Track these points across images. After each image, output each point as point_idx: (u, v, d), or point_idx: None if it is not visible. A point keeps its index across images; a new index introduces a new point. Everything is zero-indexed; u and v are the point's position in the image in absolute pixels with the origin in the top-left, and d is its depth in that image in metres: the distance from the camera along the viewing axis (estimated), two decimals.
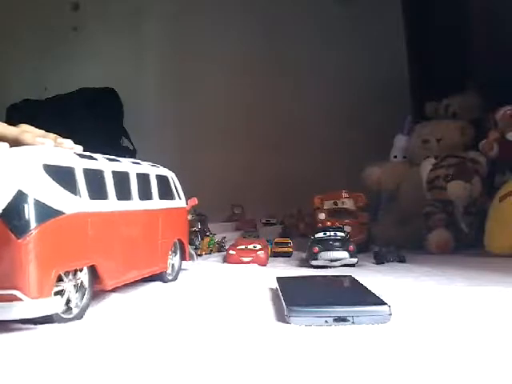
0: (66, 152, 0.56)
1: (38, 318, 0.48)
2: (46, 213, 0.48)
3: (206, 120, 2.18)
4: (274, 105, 2.16)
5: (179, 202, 0.84)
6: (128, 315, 0.57)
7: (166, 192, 0.78)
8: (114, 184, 0.61)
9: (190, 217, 1.01)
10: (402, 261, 1.01)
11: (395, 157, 1.55)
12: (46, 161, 0.50)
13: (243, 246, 1.04)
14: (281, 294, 0.58)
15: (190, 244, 1.05)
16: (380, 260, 1.00)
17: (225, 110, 2.17)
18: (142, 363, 0.39)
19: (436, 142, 1.37)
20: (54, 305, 0.49)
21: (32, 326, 0.50)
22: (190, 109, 2.21)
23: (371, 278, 0.78)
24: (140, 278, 0.69)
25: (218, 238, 1.26)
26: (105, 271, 0.58)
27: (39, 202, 0.48)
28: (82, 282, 0.56)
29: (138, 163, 0.73)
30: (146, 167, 0.74)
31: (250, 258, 1.00)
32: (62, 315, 0.52)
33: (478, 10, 1.52)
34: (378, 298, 0.54)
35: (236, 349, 0.43)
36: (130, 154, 1.98)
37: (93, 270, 0.57)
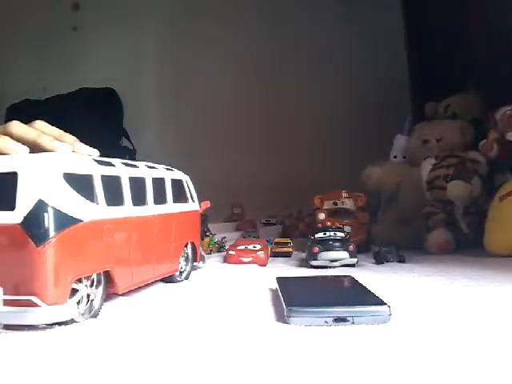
0: (85, 159, 0.57)
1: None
2: (64, 221, 0.49)
3: (206, 120, 2.18)
4: (274, 105, 2.16)
5: (192, 205, 0.85)
6: (127, 316, 0.57)
7: (180, 195, 0.79)
8: (131, 190, 0.62)
9: None
10: (401, 261, 1.01)
11: (395, 157, 1.55)
12: (66, 169, 0.51)
13: (243, 246, 1.04)
14: (281, 294, 0.58)
15: None
16: (380, 260, 1.00)
17: (225, 110, 2.17)
18: (142, 363, 0.39)
19: (436, 142, 1.37)
20: (70, 311, 0.50)
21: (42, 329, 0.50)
22: (190, 109, 2.21)
23: (371, 278, 0.78)
24: (151, 280, 0.70)
25: (217, 238, 1.26)
26: (118, 276, 0.59)
27: (59, 210, 0.48)
28: (97, 289, 0.57)
29: (154, 167, 0.74)
30: (161, 171, 0.75)
31: (250, 259, 1.00)
32: (76, 319, 0.53)
33: (478, 9, 1.52)
34: (378, 298, 0.54)
35: (236, 349, 0.43)
36: (130, 154, 1.98)
37: (106, 275, 0.58)
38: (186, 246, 0.82)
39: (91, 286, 0.56)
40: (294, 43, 2.15)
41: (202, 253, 0.91)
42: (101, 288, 0.57)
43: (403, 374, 0.36)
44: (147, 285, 0.72)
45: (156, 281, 0.73)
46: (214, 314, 0.57)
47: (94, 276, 0.56)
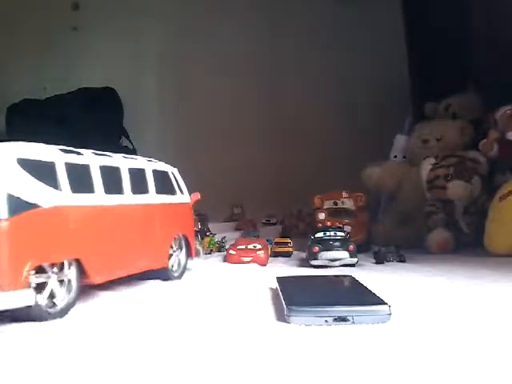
0: (48, 147, 0.56)
1: (21, 314, 0.49)
2: (18, 206, 0.49)
3: (205, 120, 2.18)
4: (274, 105, 2.16)
5: (181, 197, 0.83)
6: (127, 313, 0.57)
7: (165, 187, 0.78)
8: (103, 178, 0.61)
9: None
10: (402, 261, 1.01)
11: (395, 157, 1.55)
12: (21, 155, 0.51)
13: (243, 246, 1.04)
14: (281, 293, 0.58)
15: None
16: (380, 260, 1.01)
17: (225, 110, 2.17)
18: (142, 363, 0.39)
19: (436, 142, 1.37)
20: (27, 298, 0.49)
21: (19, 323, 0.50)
22: (189, 109, 2.21)
23: (371, 277, 0.78)
24: (135, 273, 0.69)
25: (217, 238, 1.26)
26: (91, 266, 0.58)
27: (11, 195, 0.48)
28: (68, 278, 0.56)
29: (132, 158, 0.72)
30: (140, 162, 0.73)
31: (250, 258, 1.00)
32: (46, 309, 0.52)
33: (478, 9, 1.52)
34: (378, 297, 0.54)
35: (236, 348, 0.43)
36: (130, 153, 1.97)
37: (78, 264, 0.57)
38: (176, 239, 0.81)
39: (62, 275, 0.55)
40: (293, 43, 2.14)
41: (198, 247, 0.90)
42: (73, 278, 0.56)
43: (403, 373, 0.36)
44: (142, 282, 0.71)
45: (150, 277, 0.73)
46: (215, 313, 0.57)
47: (65, 264, 0.55)
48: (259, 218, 1.78)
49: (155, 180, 0.74)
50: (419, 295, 0.65)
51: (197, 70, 2.17)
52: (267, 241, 1.14)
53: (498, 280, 0.74)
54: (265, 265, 1.00)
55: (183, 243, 0.83)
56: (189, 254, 0.84)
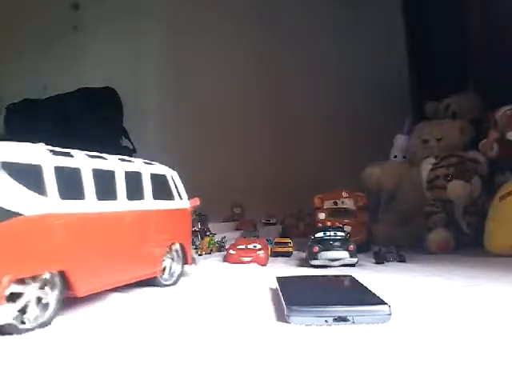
0: (36, 148, 0.52)
1: None
2: None
3: (205, 120, 2.18)
4: (274, 105, 2.16)
5: (180, 202, 0.79)
6: (126, 314, 0.57)
7: (162, 192, 0.73)
8: (95, 183, 0.57)
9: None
10: (402, 261, 1.01)
11: (395, 157, 1.55)
12: (5, 158, 0.47)
13: (243, 246, 1.04)
14: (281, 293, 0.58)
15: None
16: (380, 260, 1.00)
17: (225, 109, 2.17)
18: (142, 362, 0.39)
19: (436, 142, 1.37)
20: (4, 315, 0.45)
21: None
22: (190, 109, 2.21)
23: (371, 277, 0.78)
24: (125, 283, 0.65)
25: (217, 238, 1.26)
26: (77, 277, 0.53)
27: None
28: (47, 293, 0.51)
29: (129, 161, 0.68)
30: (137, 165, 0.68)
31: (250, 258, 1.00)
32: (20, 326, 0.47)
33: (478, 9, 1.52)
34: (378, 297, 0.54)
35: (236, 348, 0.43)
36: (130, 153, 1.98)
37: (62, 276, 0.52)
38: (172, 247, 0.76)
39: (43, 288, 0.50)
40: (294, 44, 2.14)
41: (194, 255, 0.87)
42: (55, 291, 0.51)
43: (403, 373, 0.36)
44: (137, 287, 0.69)
45: (141, 284, 0.69)
46: (215, 313, 0.57)
47: (47, 276, 0.50)
48: (259, 218, 1.78)
49: (152, 184, 0.70)
50: (419, 295, 0.65)
51: (197, 70, 2.17)
52: (267, 241, 1.14)
53: (498, 280, 0.74)
54: (265, 265, 1.00)
55: (179, 251, 0.78)
56: (185, 262, 0.80)
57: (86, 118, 1.88)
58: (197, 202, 0.86)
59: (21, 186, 0.47)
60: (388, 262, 1.00)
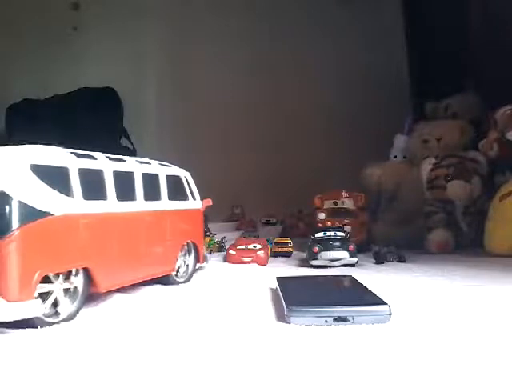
0: (61, 151, 0.55)
1: (20, 321, 0.47)
2: (30, 214, 0.47)
3: (205, 120, 2.18)
4: (274, 105, 2.16)
5: (193, 202, 0.82)
6: (126, 315, 0.57)
7: (177, 192, 0.76)
8: (116, 184, 0.60)
9: None
10: (402, 261, 1.01)
11: (395, 157, 1.55)
12: (34, 161, 0.49)
13: (243, 246, 1.04)
14: (281, 293, 0.58)
15: None
16: (380, 260, 1.01)
17: (225, 110, 2.17)
18: (142, 362, 0.39)
19: (436, 142, 1.37)
20: (34, 308, 0.48)
21: (12, 329, 0.48)
22: (190, 109, 2.21)
23: (371, 278, 0.78)
24: (142, 280, 0.68)
25: (217, 237, 1.26)
26: (100, 274, 0.56)
27: (23, 203, 0.47)
28: (74, 286, 0.54)
29: (147, 162, 0.71)
30: (154, 167, 0.72)
31: (250, 258, 1.00)
32: (47, 319, 0.50)
33: (478, 9, 1.52)
34: (378, 297, 0.54)
35: (236, 348, 0.43)
36: (130, 153, 1.98)
37: (86, 273, 0.55)
38: (185, 246, 0.79)
39: (68, 283, 0.54)
40: (294, 44, 2.14)
41: (205, 253, 0.90)
42: (80, 287, 0.55)
43: (403, 373, 0.36)
44: (144, 285, 0.71)
45: (153, 282, 0.72)
46: (215, 313, 0.57)
47: (72, 273, 0.54)
48: (259, 218, 1.78)
49: (168, 185, 0.73)
50: (419, 295, 0.65)
51: (197, 70, 2.17)
52: (267, 241, 1.14)
53: (498, 280, 0.74)
54: (265, 265, 1.00)
55: (192, 250, 0.81)
56: (197, 260, 0.83)
57: (86, 118, 1.88)
58: (209, 202, 0.89)
59: (48, 187, 0.50)
60: (388, 262, 1.00)
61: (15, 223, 0.46)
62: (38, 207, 0.48)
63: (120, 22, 2.26)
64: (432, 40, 1.68)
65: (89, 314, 0.57)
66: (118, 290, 0.65)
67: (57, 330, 0.50)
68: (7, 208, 0.46)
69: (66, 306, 0.53)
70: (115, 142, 2.03)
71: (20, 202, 0.47)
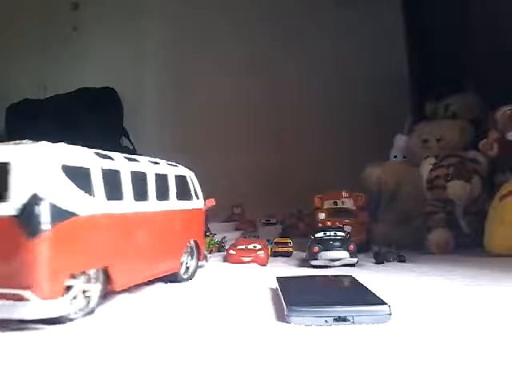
0: (85, 151, 0.55)
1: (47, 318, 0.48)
2: (59, 215, 0.48)
3: (205, 120, 2.18)
4: (273, 105, 2.16)
5: (197, 202, 0.83)
6: (125, 314, 0.57)
7: (183, 192, 0.78)
8: (132, 184, 0.61)
9: None
10: (402, 261, 1.01)
11: (395, 157, 1.55)
12: (65, 161, 0.50)
13: (243, 246, 1.04)
14: (281, 293, 0.58)
15: None
16: (380, 260, 1.01)
17: (225, 110, 2.17)
18: (142, 362, 0.39)
19: (436, 142, 1.37)
20: (63, 307, 0.49)
21: (34, 325, 0.49)
22: (190, 109, 2.21)
23: (371, 277, 0.78)
24: (151, 278, 0.69)
25: (218, 238, 1.26)
26: (116, 273, 0.58)
27: (53, 203, 0.48)
28: (92, 287, 0.55)
29: (157, 163, 0.72)
30: (164, 167, 0.73)
31: (250, 258, 1.00)
32: (71, 316, 0.52)
33: (478, 9, 1.52)
34: (378, 297, 0.54)
35: (236, 348, 0.43)
36: (130, 153, 1.97)
37: (105, 271, 0.56)
38: (188, 244, 0.81)
39: (88, 282, 0.55)
40: (293, 44, 2.14)
41: (205, 252, 0.91)
42: (99, 285, 0.56)
43: (403, 373, 0.36)
44: (148, 283, 0.71)
45: (159, 279, 0.73)
46: (215, 313, 0.57)
47: (92, 272, 0.55)
48: (259, 218, 1.78)
49: (176, 185, 0.74)
50: (419, 295, 0.65)
51: (197, 70, 2.17)
52: (267, 241, 1.14)
53: (498, 280, 0.75)
54: (265, 265, 1.00)
55: (194, 248, 0.83)
56: (198, 258, 0.84)
57: (86, 119, 1.88)
58: (212, 202, 0.90)
59: (75, 187, 0.51)
60: (388, 262, 1.01)
61: (46, 224, 0.47)
62: (67, 208, 0.49)
63: (120, 22, 2.26)
64: (432, 40, 1.68)
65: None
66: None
67: (62, 327, 0.50)
68: (39, 209, 0.47)
69: (82, 306, 0.54)
70: (115, 141, 2.03)
71: (51, 203, 0.47)
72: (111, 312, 0.57)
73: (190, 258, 0.82)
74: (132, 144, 2.07)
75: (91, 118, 1.92)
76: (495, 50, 1.41)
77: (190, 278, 0.81)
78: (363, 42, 2.02)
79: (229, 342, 0.45)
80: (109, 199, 0.56)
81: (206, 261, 0.90)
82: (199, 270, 0.89)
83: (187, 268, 0.81)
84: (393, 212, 1.41)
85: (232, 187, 1.97)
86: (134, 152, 2.01)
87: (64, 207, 0.49)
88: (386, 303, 0.51)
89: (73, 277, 0.52)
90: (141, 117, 2.18)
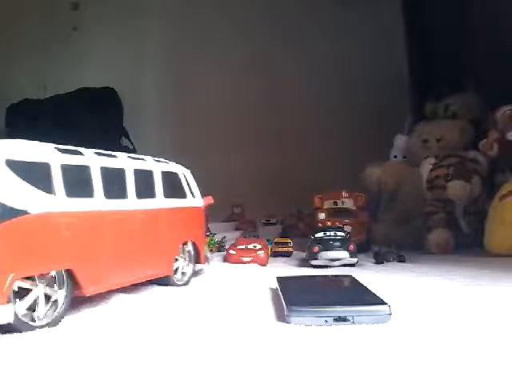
0: (43, 146, 0.52)
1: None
2: (4, 212, 0.44)
3: (205, 120, 2.18)
4: (273, 105, 2.16)
5: (193, 200, 0.78)
6: (126, 316, 0.57)
7: (174, 190, 0.73)
8: (104, 181, 0.57)
9: None
10: (402, 261, 1.01)
11: (395, 157, 1.55)
12: (11, 156, 0.46)
13: (243, 246, 1.04)
14: (281, 293, 0.58)
15: None
16: (380, 260, 1.01)
17: (225, 110, 2.17)
18: (142, 363, 0.39)
19: (436, 142, 1.37)
20: (6, 314, 0.45)
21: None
22: (190, 109, 2.21)
23: (371, 277, 0.78)
24: (135, 283, 0.64)
25: (218, 238, 1.26)
26: (85, 276, 0.53)
27: None
28: (56, 291, 0.51)
29: (140, 159, 0.68)
30: (148, 163, 0.68)
31: (250, 258, 1.00)
32: (31, 323, 0.47)
33: (478, 9, 1.52)
34: (378, 297, 0.54)
35: (237, 348, 0.43)
36: (130, 153, 1.97)
37: (70, 274, 0.52)
38: (184, 246, 0.76)
39: (51, 286, 0.50)
40: (294, 44, 2.14)
41: (207, 254, 0.87)
42: (63, 289, 0.51)
43: (403, 373, 0.36)
44: (144, 285, 0.70)
45: (152, 283, 0.70)
46: (215, 313, 0.57)
47: (54, 274, 0.50)
48: (259, 218, 1.78)
49: (164, 182, 0.69)
50: (419, 295, 0.65)
51: (197, 70, 2.17)
52: (267, 241, 1.14)
53: (498, 280, 0.74)
54: (265, 265, 1.00)
55: (191, 250, 0.78)
56: (197, 261, 0.80)
57: (86, 118, 1.88)
58: (210, 200, 0.86)
59: (27, 183, 0.47)
60: (388, 262, 1.01)
61: None
62: (14, 205, 0.45)
63: (120, 22, 2.26)
64: (432, 40, 1.68)
65: (88, 315, 0.56)
66: (118, 291, 0.65)
67: (53, 331, 0.49)
68: None
69: (44, 314, 0.50)
70: (115, 141, 2.03)
71: None
72: (111, 312, 0.57)
73: (186, 262, 0.77)
74: (132, 144, 2.07)
75: (91, 118, 1.92)
76: (495, 50, 1.41)
77: (187, 282, 0.76)
78: (363, 42, 2.02)
79: (229, 342, 0.45)
80: (73, 196, 0.52)
81: (208, 263, 0.86)
82: (199, 272, 0.89)
83: (183, 271, 0.76)
84: (393, 212, 1.41)
85: (232, 187, 1.97)
86: (134, 152, 2.01)
87: (9, 204, 0.45)
88: (385, 303, 0.51)
89: (29, 279, 0.47)
90: (141, 117, 2.19)
